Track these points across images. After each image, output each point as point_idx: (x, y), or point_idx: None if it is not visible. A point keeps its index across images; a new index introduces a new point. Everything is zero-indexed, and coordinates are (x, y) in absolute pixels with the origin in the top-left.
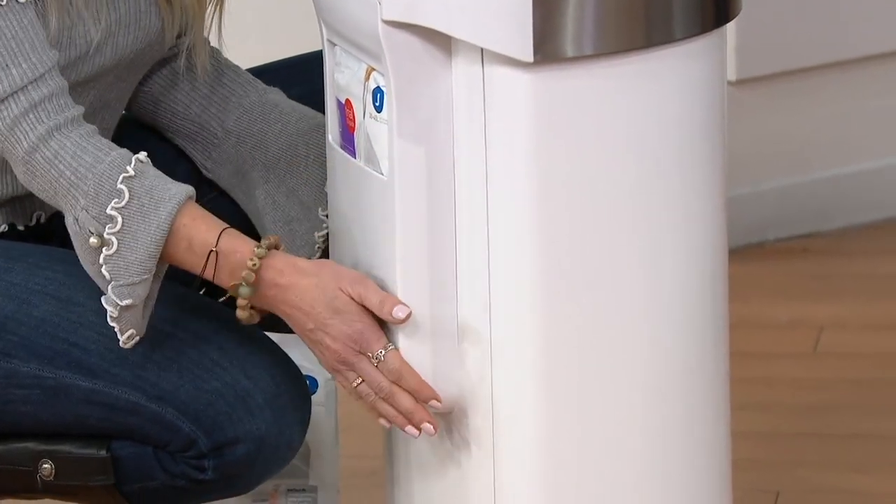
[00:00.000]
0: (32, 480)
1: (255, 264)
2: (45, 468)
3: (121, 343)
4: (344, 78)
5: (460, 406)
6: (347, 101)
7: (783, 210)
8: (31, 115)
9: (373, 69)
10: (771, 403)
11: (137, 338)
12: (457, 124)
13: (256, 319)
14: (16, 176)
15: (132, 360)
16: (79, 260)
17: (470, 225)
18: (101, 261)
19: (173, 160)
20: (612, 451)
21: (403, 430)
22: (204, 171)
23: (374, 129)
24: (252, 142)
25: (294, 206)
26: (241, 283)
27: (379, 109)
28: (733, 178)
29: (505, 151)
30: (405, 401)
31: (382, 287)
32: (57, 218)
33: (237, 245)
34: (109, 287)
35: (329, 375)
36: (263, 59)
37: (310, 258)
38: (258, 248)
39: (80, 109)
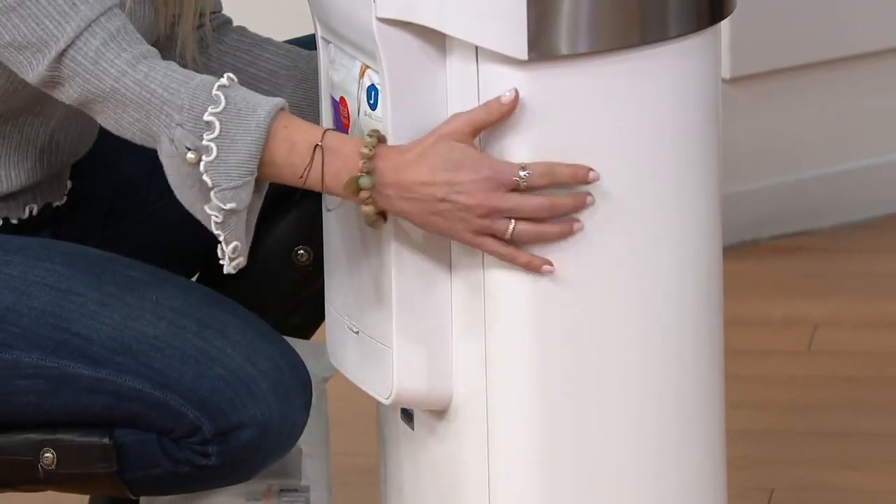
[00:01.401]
0: (34, 470)
1: (370, 151)
2: (47, 457)
3: (226, 258)
4: (338, 76)
5: (453, 403)
6: (342, 98)
7: (777, 208)
8: (112, 45)
9: (367, 67)
10: (765, 401)
11: (241, 256)
12: None
13: (383, 222)
14: (10, 171)
15: (135, 348)
16: (76, 251)
17: None
18: (201, 168)
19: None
20: (608, 448)
21: (572, 233)
22: None
23: (369, 126)
24: (310, 111)
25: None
26: (360, 175)
27: (373, 107)
28: (727, 176)
29: (499, 149)
30: (567, 199)
31: (378, 275)
32: (48, 209)
33: (344, 141)
34: (212, 193)
35: (327, 374)
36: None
37: None
38: (367, 136)
39: (154, 49)
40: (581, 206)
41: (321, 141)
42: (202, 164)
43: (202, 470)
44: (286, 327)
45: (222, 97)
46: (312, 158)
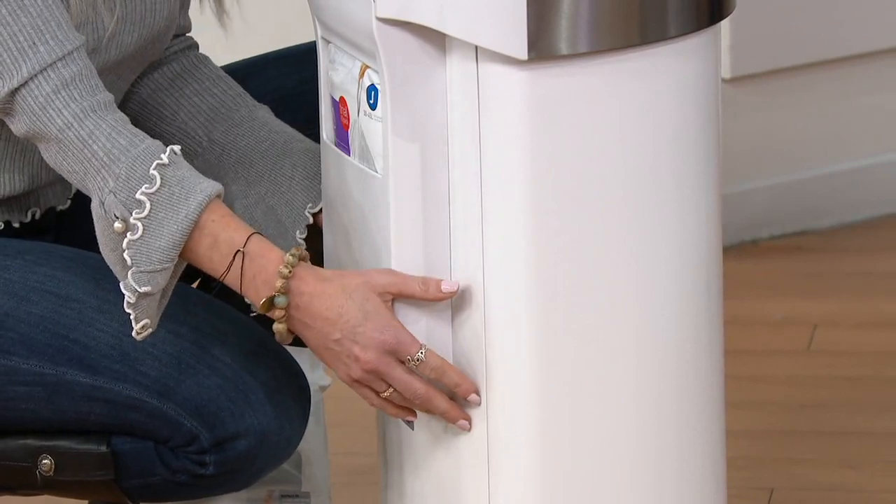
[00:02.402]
0: (32, 476)
1: (289, 272)
2: (45, 464)
3: (134, 333)
4: (338, 76)
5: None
6: (342, 98)
7: (776, 207)
8: (62, 93)
9: (367, 67)
10: (765, 401)
11: (150, 330)
12: (451, 122)
13: (291, 339)
14: (14, 174)
15: (133, 357)
16: (76, 257)
17: (464, 222)
18: (123, 245)
19: None
20: (607, 448)
21: (456, 423)
22: None
23: (369, 126)
24: (237, 156)
25: (271, 223)
26: (275, 294)
27: (373, 107)
28: (727, 176)
29: (499, 149)
30: (442, 402)
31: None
32: (51, 213)
33: (266, 250)
34: (129, 273)
35: (324, 383)
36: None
37: None
38: (290, 255)
39: (111, 96)
40: (452, 419)
41: (244, 247)
42: (126, 240)
43: (200, 479)
44: None
45: (158, 178)
46: (232, 262)
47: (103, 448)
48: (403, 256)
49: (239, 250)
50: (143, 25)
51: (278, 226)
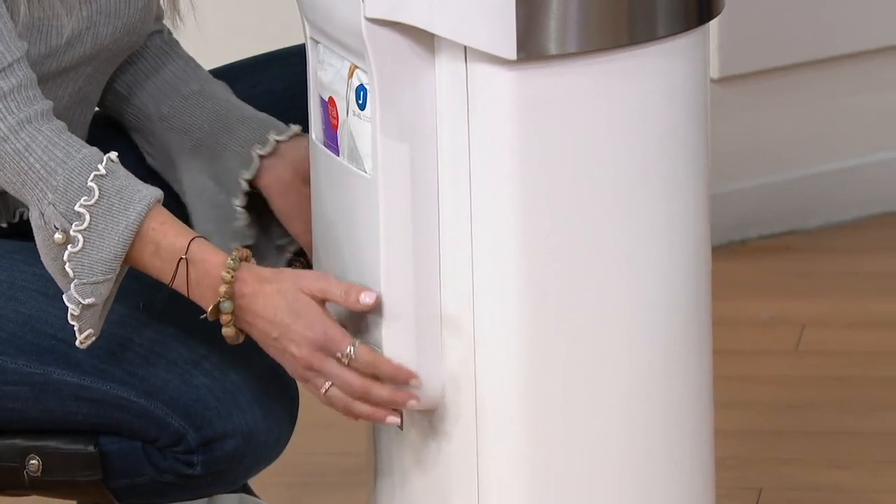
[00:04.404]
0: (19, 476)
1: (231, 276)
2: (33, 464)
3: (77, 343)
4: (327, 76)
5: (443, 402)
6: (331, 98)
7: (764, 207)
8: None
9: (356, 67)
10: (753, 401)
11: (94, 338)
12: (440, 122)
13: (242, 338)
14: None
15: (121, 356)
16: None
17: (453, 222)
18: (64, 258)
19: (125, 150)
20: (597, 448)
21: (385, 423)
22: (148, 160)
23: (358, 127)
24: (181, 127)
25: (214, 194)
26: (220, 300)
27: (362, 107)
28: (715, 176)
29: (488, 149)
30: (382, 391)
31: (366, 285)
32: None
33: (207, 254)
34: (72, 285)
35: None
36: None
37: (242, 245)
38: (231, 259)
39: (49, 104)
40: (398, 404)
41: (185, 253)
42: (67, 252)
43: (187, 479)
44: None
45: (96, 189)
46: (176, 270)
47: (91, 448)
48: (392, 256)
49: (182, 258)
50: (117, 17)
51: (221, 196)
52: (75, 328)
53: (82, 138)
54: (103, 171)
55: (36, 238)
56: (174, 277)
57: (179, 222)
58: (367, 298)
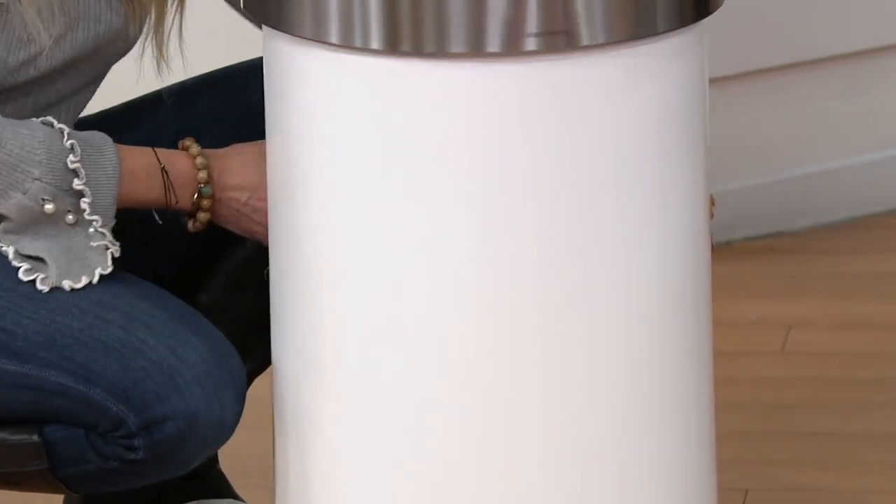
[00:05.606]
0: None
1: (205, 161)
2: None
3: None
4: None
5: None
6: None
7: (750, 209)
8: None
9: None
10: (739, 402)
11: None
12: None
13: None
14: None
15: (59, 342)
16: None
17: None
18: (85, 207)
19: None
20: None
21: None
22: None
23: None
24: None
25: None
26: (202, 185)
27: None
28: None
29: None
30: None
31: None
32: None
33: (171, 155)
34: (103, 230)
35: None
36: (228, 62)
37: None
38: (191, 146)
39: None
40: None
41: (161, 162)
42: (85, 202)
43: (131, 464)
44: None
45: (77, 145)
46: (165, 182)
47: (35, 437)
48: None
49: (162, 168)
50: (98, 22)
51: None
52: (109, 249)
53: None
54: (64, 128)
55: (17, 222)
56: (171, 192)
57: (131, 146)
58: None
